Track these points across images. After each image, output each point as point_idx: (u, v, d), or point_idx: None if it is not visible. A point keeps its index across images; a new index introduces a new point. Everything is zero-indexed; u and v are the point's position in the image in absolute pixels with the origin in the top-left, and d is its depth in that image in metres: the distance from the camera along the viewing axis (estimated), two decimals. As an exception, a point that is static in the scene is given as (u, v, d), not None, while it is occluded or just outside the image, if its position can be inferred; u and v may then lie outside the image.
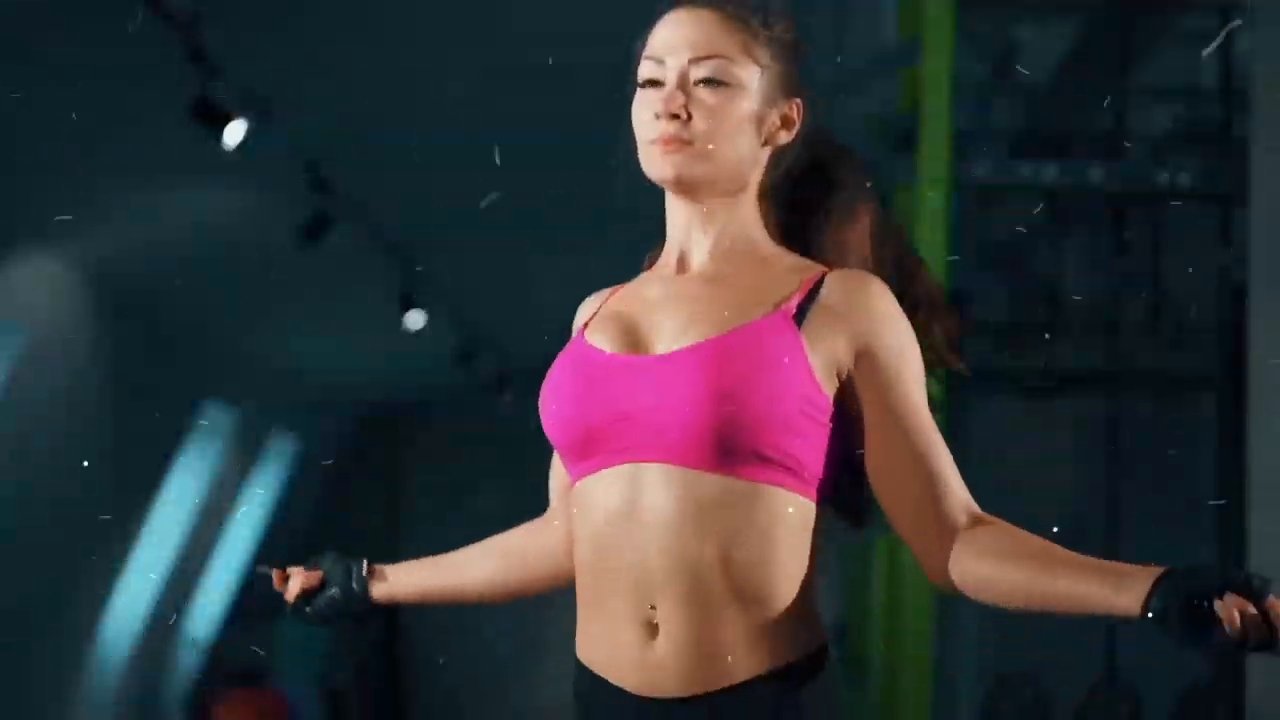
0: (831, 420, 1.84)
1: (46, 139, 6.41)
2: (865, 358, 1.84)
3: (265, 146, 6.62)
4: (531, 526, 2.12)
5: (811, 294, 1.86)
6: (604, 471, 1.85)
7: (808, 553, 1.84)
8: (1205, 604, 1.62)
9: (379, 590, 2.16)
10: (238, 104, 6.33)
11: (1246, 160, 4.49)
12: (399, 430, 13.98)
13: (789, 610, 1.81)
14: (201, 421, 10.18)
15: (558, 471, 2.04)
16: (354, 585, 2.15)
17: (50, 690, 9.30)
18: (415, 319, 9.35)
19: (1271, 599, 1.62)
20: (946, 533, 1.83)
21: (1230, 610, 1.60)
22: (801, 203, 2.01)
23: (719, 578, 1.79)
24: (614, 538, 1.82)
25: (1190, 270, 7.29)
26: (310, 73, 6.70)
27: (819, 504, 1.85)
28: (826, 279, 1.87)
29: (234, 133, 6.29)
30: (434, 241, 8.68)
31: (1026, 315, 7.93)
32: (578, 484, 1.88)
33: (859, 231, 1.99)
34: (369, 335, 10.24)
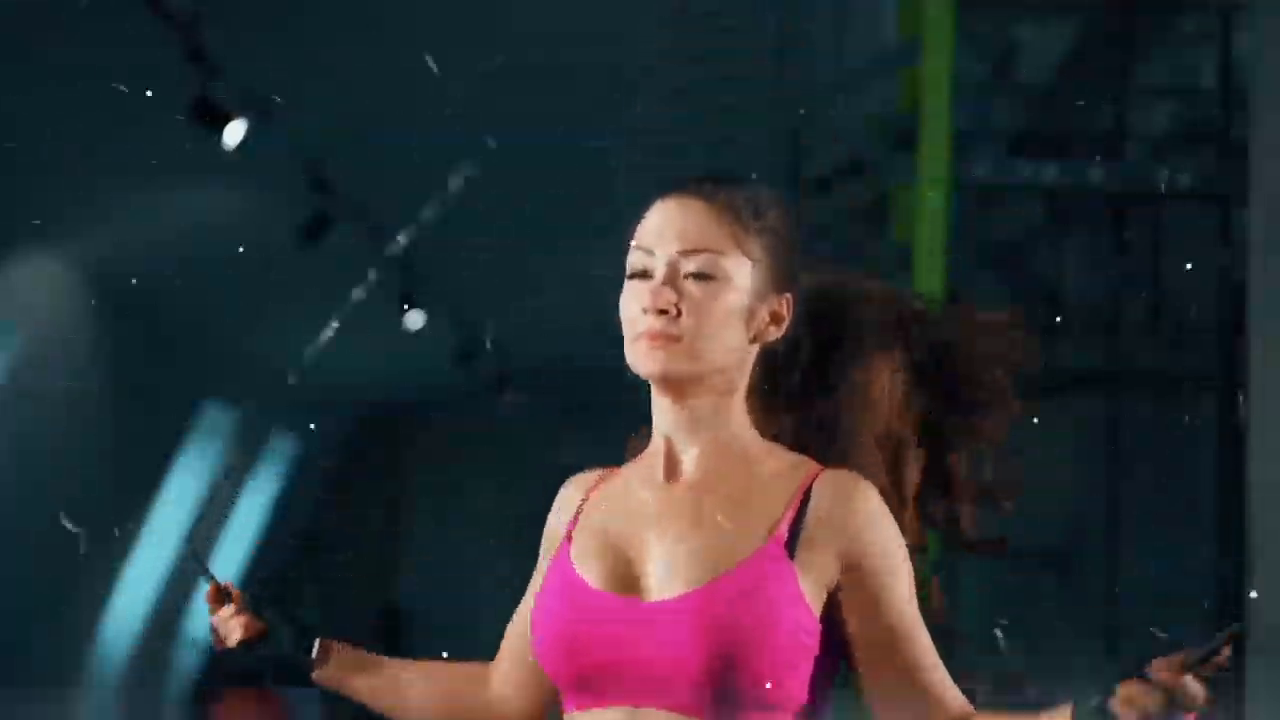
0: (823, 641, 1.82)
1: (46, 139, 6.41)
2: (853, 570, 1.81)
3: (265, 146, 6.62)
4: (477, 674, 2.08)
5: (801, 510, 1.82)
6: (599, 711, 1.82)
7: None
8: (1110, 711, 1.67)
9: (323, 675, 2.08)
10: (238, 104, 6.33)
11: (1246, 160, 4.49)
12: (399, 430, 13.98)
13: None
14: (202, 426, 10.19)
15: (517, 628, 2.00)
16: (299, 656, 2.08)
17: (51, 690, 9.29)
18: (415, 319, 9.35)
19: (1153, 665, 1.65)
20: None
21: (1122, 703, 1.65)
22: (803, 373, 1.95)
23: None
24: None
25: (1190, 270, 7.29)
26: (310, 73, 6.70)
27: None
28: (814, 488, 1.83)
29: (234, 133, 6.29)
30: (434, 241, 8.68)
31: (1026, 315, 7.93)
32: (570, 714, 1.85)
33: (875, 386, 1.95)
34: (369, 335, 10.24)
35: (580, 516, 1.92)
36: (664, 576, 1.81)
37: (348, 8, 6.45)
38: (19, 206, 6.97)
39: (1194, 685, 1.63)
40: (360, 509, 13.47)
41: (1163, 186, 6.15)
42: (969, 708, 1.84)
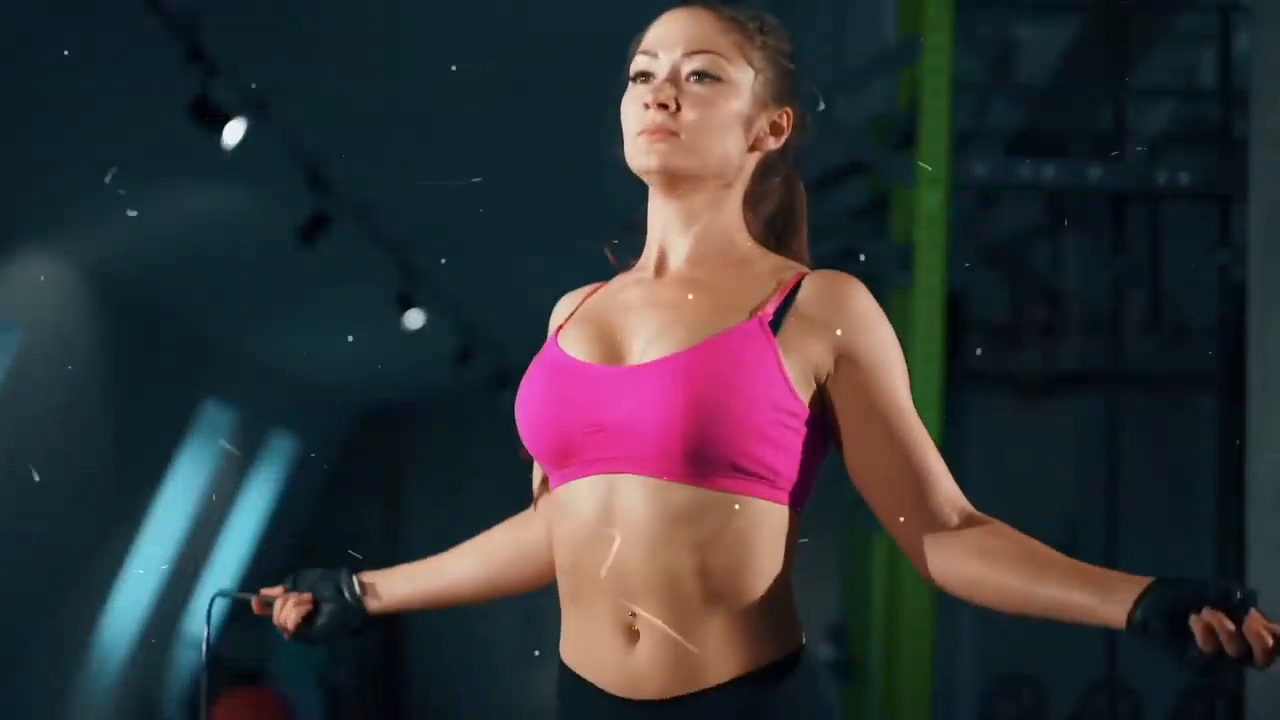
0: (809, 424, 1.83)
1: (46, 139, 6.41)
2: (845, 360, 1.83)
3: (264, 146, 6.62)
4: (514, 523, 2.13)
5: (788, 298, 1.85)
6: (580, 480, 1.85)
7: (783, 558, 1.84)
8: (1185, 619, 1.62)
9: (372, 604, 2.15)
10: (237, 104, 6.33)
11: (1246, 159, 4.49)
12: (399, 429, 13.99)
13: (765, 614, 1.82)
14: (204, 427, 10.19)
15: (539, 470, 2.03)
16: (349, 600, 2.15)
17: (50, 690, 9.29)
18: (414, 318, 9.35)
19: (1253, 615, 1.61)
20: (936, 530, 1.83)
21: (1204, 626, 1.61)
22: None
23: (695, 586, 1.80)
24: (591, 547, 1.83)
25: (1190, 270, 7.29)
26: (310, 73, 6.70)
27: (795, 510, 1.85)
28: (804, 281, 1.86)
29: (233, 132, 6.29)
30: (433, 241, 8.69)
31: (1026, 315, 7.93)
32: (556, 490, 1.89)
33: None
34: (368, 335, 10.24)
35: (572, 318, 1.96)
36: (645, 345, 1.85)
37: (348, 8, 6.45)
38: (19, 206, 6.97)
39: (1267, 658, 1.59)
40: (360, 509, 13.48)
41: (1163, 184, 6.15)
42: (970, 507, 1.85)
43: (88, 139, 6.38)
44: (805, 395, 1.82)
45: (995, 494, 7.57)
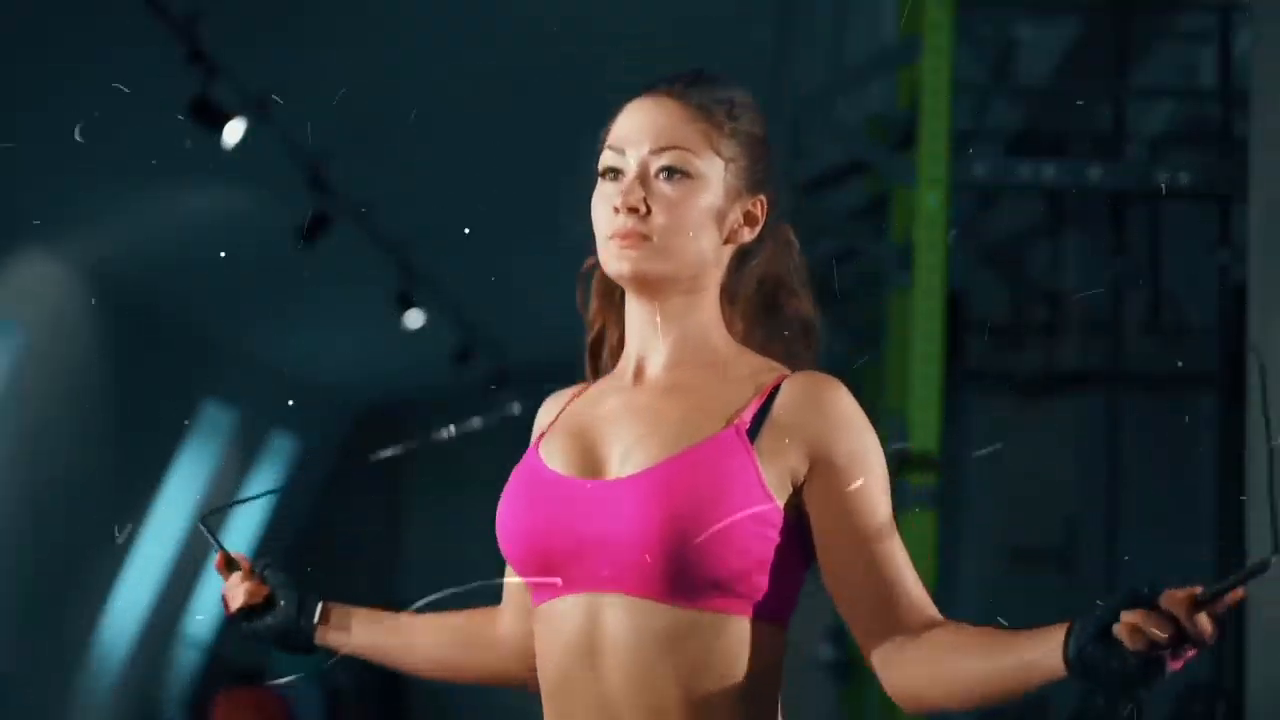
0: (791, 534, 1.79)
1: (46, 139, 6.41)
2: (820, 463, 1.78)
3: (264, 146, 6.62)
4: (486, 614, 2.08)
5: (767, 403, 1.80)
6: (562, 599, 1.81)
7: (772, 678, 1.80)
8: (1111, 635, 1.58)
9: (327, 636, 2.08)
10: (237, 104, 6.33)
11: (1246, 159, 4.49)
12: (398, 429, 13.98)
13: None
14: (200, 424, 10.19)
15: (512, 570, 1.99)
16: (300, 622, 2.07)
17: (50, 690, 9.29)
18: (414, 318, 9.35)
19: (1165, 593, 1.56)
20: (898, 641, 1.78)
21: (1126, 628, 1.56)
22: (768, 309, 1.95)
23: (683, 709, 1.76)
24: (575, 668, 1.79)
25: (1190, 270, 7.29)
26: (310, 73, 6.70)
27: (779, 625, 1.81)
28: (783, 385, 1.81)
29: (233, 132, 6.29)
30: (432, 240, 8.69)
31: (1026, 315, 7.93)
32: (538, 607, 1.84)
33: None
34: (368, 334, 10.24)
35: (553, 425, 1.92)
36: (623, 458, 1.81)
37: (348, 8, 6.45)
38: (19, 206, 6.97)
39: (1204, 621, 1.54)
40: (360, 509, 13.48)
41: (1163, 186, 6.15)
42: (939, 615, 1.80)
43: (88, 139, 6.38)
44: (782, 502, 1.78)
45: (995, 494, 7.58)
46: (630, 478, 1.78)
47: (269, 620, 2.08)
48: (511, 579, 1.99)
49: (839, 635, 8.70)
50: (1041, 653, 1.65)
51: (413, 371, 12.07)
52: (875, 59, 6.78)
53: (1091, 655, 1.59)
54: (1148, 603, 1.56)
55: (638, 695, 1.76)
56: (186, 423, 9.95)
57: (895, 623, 1.78)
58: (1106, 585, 7.27)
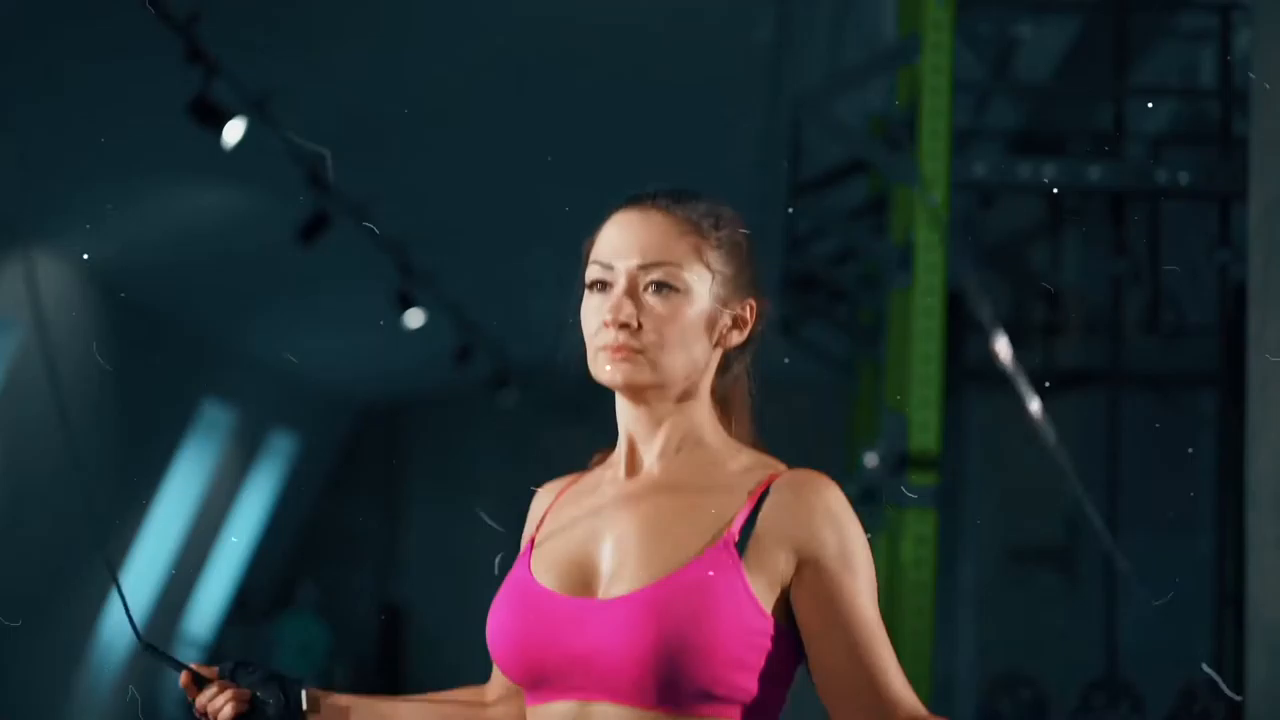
0: (781, 638, 1.82)
1: (46, 139, 6.41)
2: (806, 566, 1.81)
3: (264, 145, 6.62)
4: (473, 693, 2.10)
5: (755, 509, 1.83)
6: (553, 705, 1.83)
7: None
8: None
9: None
10: (237, 103, 6.32)
11: (1246, 159, 4.48)
12: (398, 428, 13.98)
13: None
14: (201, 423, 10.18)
15: None
16: (293, 710, 2.04)
17: (50, 690, 9.29)
18: (414, 318, 9.35)
19: None
20: None
21: None
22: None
23: None
24: None
25: (1190, 270, 7.29)
26: (310, 73, 6.70)
27: None
28: (772, 488, 1.84)
29: (233, 132, 6.29)
30: (432, 240, 8.68)
31: (1026, 315, 7.93)
32: (531, 707, 1.87)
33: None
34: (368, 334, 10.24)
35: (544, 522, 1.95)
36: (614, 577, 1.83)
37: (347, 8, 6.44)
38: (19, 206, 6.97)
39: None
40: (360, 508, 13.48)
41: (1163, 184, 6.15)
42: (923, 710, 1.82)
43: (88, 139, 6.38)
44: (770, 607, 1.80)
45: (995, 494, 7.58)
46: (620, 599, 1.80)
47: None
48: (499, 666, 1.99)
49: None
50: None
51: (413, 371, 12.07)
52: (875, 59, 6.78)
53: None
54: None
55: None
56: (186, 423, 9.95)
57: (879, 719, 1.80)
58: (1106, 585, 7.28)
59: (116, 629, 9.94)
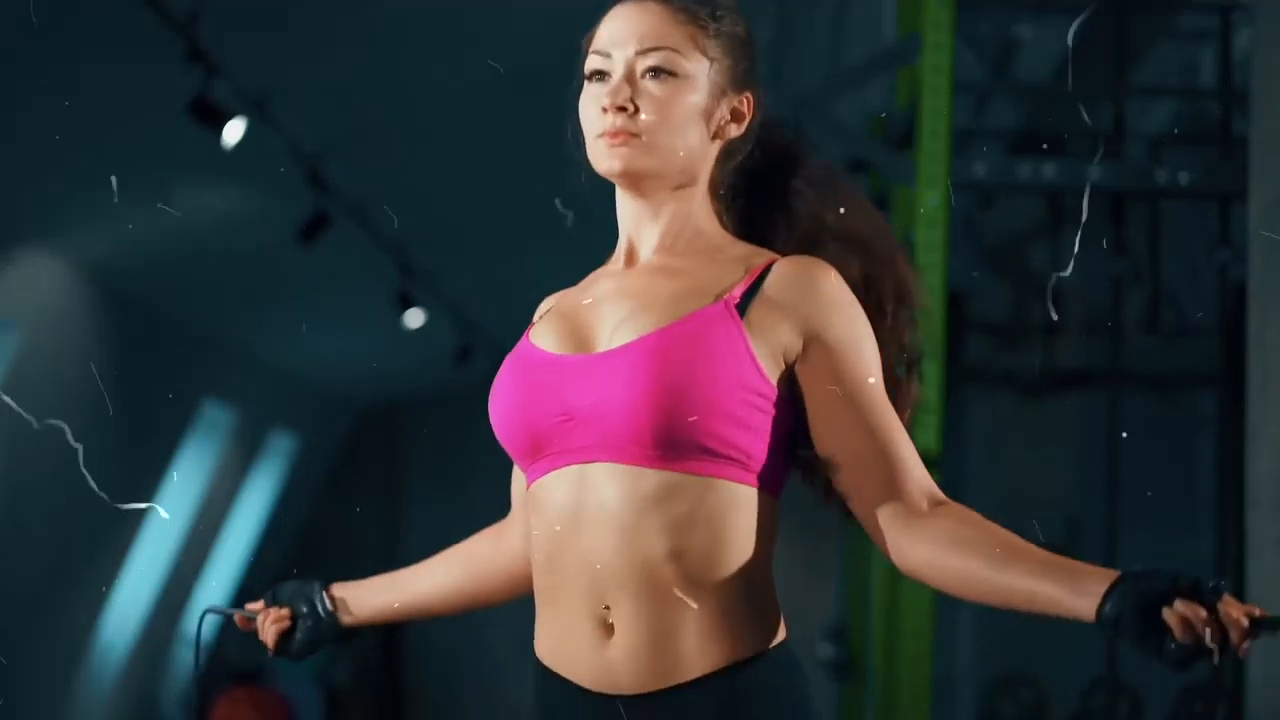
0: (779, 406, 1.82)
1: (46, 139, 6.41)
2: (813, 343, 1.83)
3: (264, 145, 6.62)
4: (490, 533, 2.12)
5: (757, 282, 1.85)
6: (553, 473, 1.85)
7: (760, 544, 1.83)
8: (1157, 611, 1.59)
9: (345, 618, 2.15)
10: (237, 103, 6.32)
11: (1246, 159, 4.48)
12: (398, 428, 13.98)
13: (744, 604, 1.80)
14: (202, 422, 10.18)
15: (518, 477, 2.03)
16: (322, 615, 2.14)
17: (50, 690, 9.29)
18: (414, 317, 9.35)
19: (1226, 600, 1.58)
20: (905, 514, 1.81)
21: (1179, 619, 1.58)
22: (764, 197, 1.99)
23: (670, 574, 1.78)
24: (565, 539, 1.82)
25: (1190, 270, 7.28)
26: (310, 73, 6.70)
27: (770, 493, 1.84)
28: (773, 266, 1.86)
29: (233, 132, 6.29)
30: (432, 239, 8.68)
31: (1026, 315, 7.93)
32: (531, 486, 1.88)
33: (832, 219, 1.97)
34: (368, 333, 10.24)
35: (546, 314, 1.98)
36: (612, 332, 1.85)
37: (347, 8, 6.44)
38: (19, 206, 6.97)
39: (1247, 642, 1.57)
40: (360, 508, 13.48)
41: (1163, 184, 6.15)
42: (942, 494, 1.82)
43: (88, 139, 6.37)
44: (774, 376, 1.81)
45: (995, 494, 7.58)
46: (618, 349, 1.82)
47: (299, 637, 2.14)
48: (516, 488, 2.02)
49: (839, 635, 8.70)
50: (1071, 592, 1.66)
51: (413, 371, 12.07)
52: (875, 58, 6.78)
53: (1130, 625, 1.61)
54: (1208, 597, 1.57)
55: (624, 558, 1.78)
56: (186, 423, 9.95)
57: (900, 497, 1.81)
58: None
59: (116, 629, 9.94)
